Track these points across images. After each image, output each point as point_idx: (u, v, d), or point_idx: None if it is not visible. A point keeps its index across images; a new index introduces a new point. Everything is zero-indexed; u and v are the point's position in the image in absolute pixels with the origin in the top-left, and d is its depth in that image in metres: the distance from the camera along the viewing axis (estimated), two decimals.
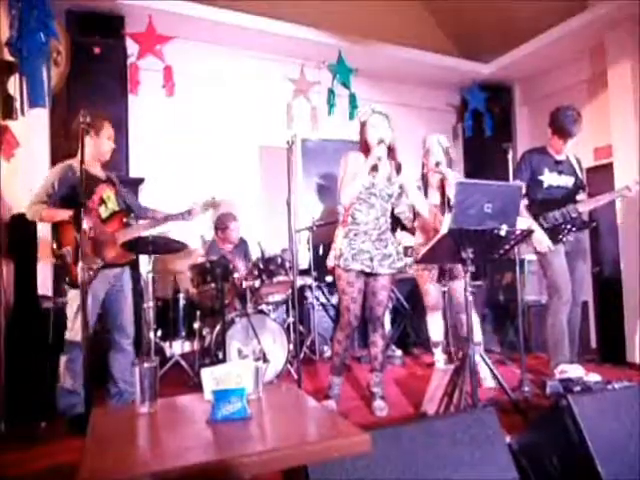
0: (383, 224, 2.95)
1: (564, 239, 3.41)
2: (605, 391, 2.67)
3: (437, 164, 3.25)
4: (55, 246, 2.92)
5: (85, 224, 2.70)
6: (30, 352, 3.08)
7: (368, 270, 2.88)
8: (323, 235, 4.34)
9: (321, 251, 4.68)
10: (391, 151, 2.97)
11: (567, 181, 3.53)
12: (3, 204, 3.20)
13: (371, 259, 2.87)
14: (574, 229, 3.42)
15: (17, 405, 2.94)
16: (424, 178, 3.56)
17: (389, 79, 5.81)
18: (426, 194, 3.48)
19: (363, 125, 2.98)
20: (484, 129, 6.07)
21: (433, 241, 2.47)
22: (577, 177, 3.56)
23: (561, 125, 3.41)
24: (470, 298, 2.56)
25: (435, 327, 3.63)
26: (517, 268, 3.38)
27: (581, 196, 3.52)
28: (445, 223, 2.45)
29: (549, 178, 3.50)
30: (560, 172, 3.52)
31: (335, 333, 3.06)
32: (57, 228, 2.94)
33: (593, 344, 4.50)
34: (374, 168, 2.88)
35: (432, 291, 3.51)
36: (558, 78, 5.57)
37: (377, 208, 2.92)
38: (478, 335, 3.43)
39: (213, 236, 4.44)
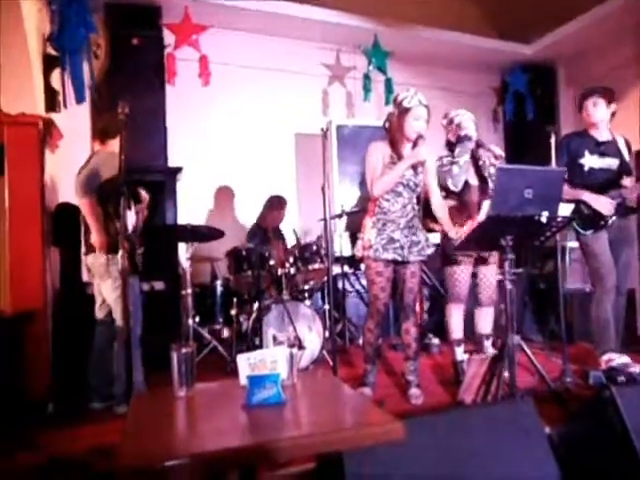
0: (410, 211, 2.90)
1: (606, 225, 3.26)
2: None
3: (477, 142, 3.13)
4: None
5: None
6: (77, 335, 3.22)
7: (399, 259, 2.85)
8: (358, 223, 4.31)
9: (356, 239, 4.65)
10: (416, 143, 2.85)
11: (610, 163, 3.33)
12: (48, 194, 3.32)
13: (402, 247, 2.84)
14: (616, 215, 3.25)
15: (65, 386, 3.07)
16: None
17: (426, 62, 5.68)
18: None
19: (405, 111, 2.81)
20: (526, 112, 5.88)
21: (471, 228, 2.43)
22: (622, 159, 3.37)
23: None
24: (509, 286, 2.50)
25: (458, 321, 3.22)
26: (558, 255, 3.28)
27: (627, 181, 3.34)
28: (483, 209, 2.40)
29: (590, 160, 3.31)
30: (602, 154, 3.31)
31: (365, 322, 3.06)
32: None
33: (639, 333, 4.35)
34: (414, 167, 2.83)
35: (463, 279, 3.17)
36: (604, 58, 5.32)
37: (404, 196, 2.87)
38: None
39: (254, 223, 4.49)
